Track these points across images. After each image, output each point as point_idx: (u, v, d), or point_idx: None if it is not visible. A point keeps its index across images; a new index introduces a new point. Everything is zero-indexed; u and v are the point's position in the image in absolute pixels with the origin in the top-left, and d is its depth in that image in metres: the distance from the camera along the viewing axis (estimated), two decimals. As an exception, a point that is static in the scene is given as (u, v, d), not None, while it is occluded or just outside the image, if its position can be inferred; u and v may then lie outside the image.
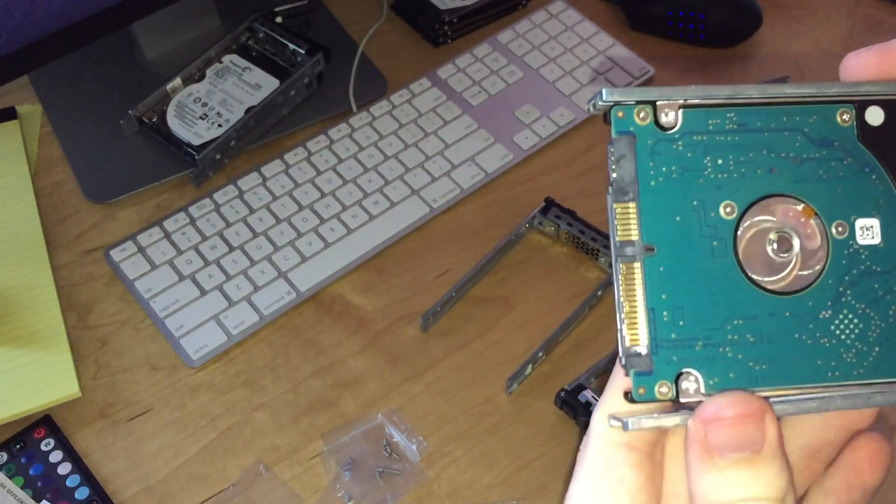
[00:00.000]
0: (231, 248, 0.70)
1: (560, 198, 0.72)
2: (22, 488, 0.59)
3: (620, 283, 0.27)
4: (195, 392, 0.64)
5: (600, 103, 0.27)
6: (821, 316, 0.27)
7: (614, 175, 0.27)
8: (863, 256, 0.28)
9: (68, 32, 0.70)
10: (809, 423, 0.30)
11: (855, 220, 0.28)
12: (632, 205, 0.27)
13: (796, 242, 0.27)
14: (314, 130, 0.78)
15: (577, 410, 0.61)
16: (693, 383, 0.27)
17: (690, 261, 0.27)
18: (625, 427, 0.26)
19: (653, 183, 0.27)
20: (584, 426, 0.60)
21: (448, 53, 0.83)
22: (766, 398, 0.26)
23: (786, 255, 0.27)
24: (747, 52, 0.85)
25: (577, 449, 0.29)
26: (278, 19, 0.81)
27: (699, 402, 0.26)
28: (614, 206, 0.27)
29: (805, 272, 0.28)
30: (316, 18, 0.85)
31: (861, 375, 0.27)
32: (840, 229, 0.28)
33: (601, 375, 0.63)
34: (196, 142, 0.74)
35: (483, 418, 0.63)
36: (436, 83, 0.81)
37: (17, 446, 0.60)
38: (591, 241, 0.69)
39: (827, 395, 0.27)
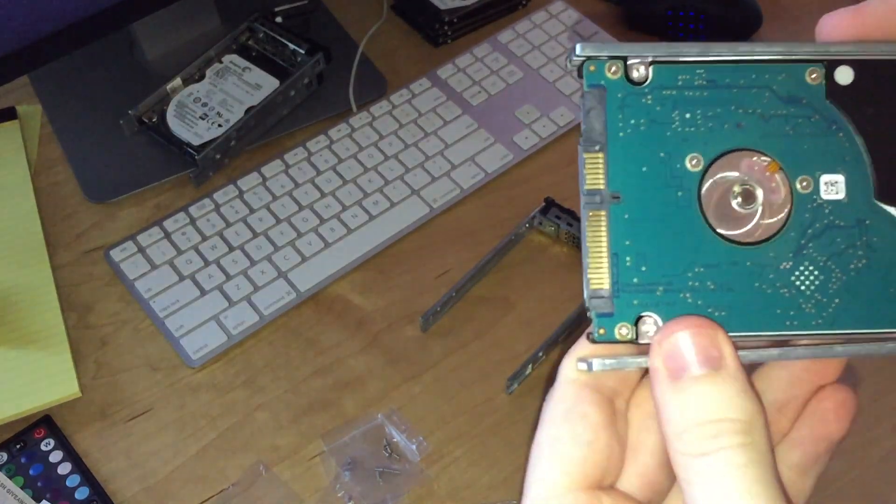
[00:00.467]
0: (231, 248, 0.70)
1: (560, 198, 0.72)
2: (22, 488, 0.59)
3: (587, 229, 0.27)
4: (195, 392, 0.64)
5: (574, 58, 0.28)
6: (781, 267, 0.28)
7: (584, 126, 0.28)
8: (826, 211, 0.28)
9: (68, 32, 0.70)
10: (777, 378, 0.30)
11: (820, 175, 0.28)
12: (600, 154, 0.28)
13: (760, 195, 0.28)
14: (314, 130, 0.78)
15: (577, 410, 0.61)
16: (652, 326, 0.27)
17: (655, 209, 0.28)
18: (589, 367, 0.27)
19: (621, 134, 0.28)
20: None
21: (448, 53, 0.83)
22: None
23: (749, 207, 0.28)
24: (747, 52, 0.85)
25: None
26: (278, 19, 0.81)
27: None
28: (584, 155, 0.28)
29: (768, 222, 0.28)
30: (316, 18, 0.85)
31: (819, 326, 0.28)
32: (804, 184, 0.28)
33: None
34: (196, 142, 0.74)
35: (483, 418, 0.63)
36: (436, 83, 0.81)
37: (17, 446, 0.60)
38: (591, 241, 0.69)
39: (789, 346, 0.27)
